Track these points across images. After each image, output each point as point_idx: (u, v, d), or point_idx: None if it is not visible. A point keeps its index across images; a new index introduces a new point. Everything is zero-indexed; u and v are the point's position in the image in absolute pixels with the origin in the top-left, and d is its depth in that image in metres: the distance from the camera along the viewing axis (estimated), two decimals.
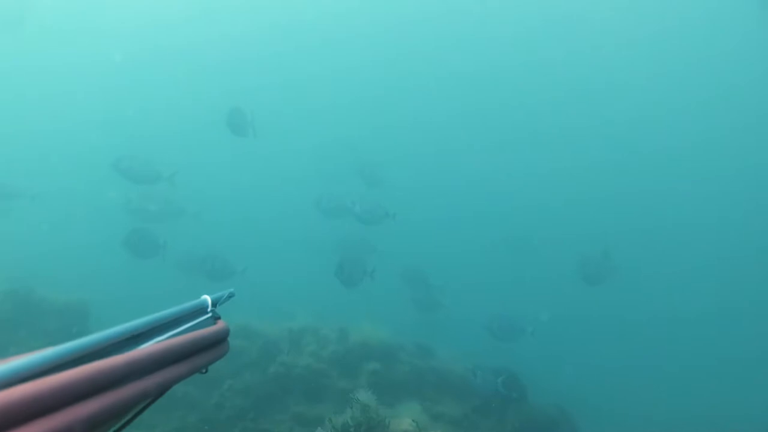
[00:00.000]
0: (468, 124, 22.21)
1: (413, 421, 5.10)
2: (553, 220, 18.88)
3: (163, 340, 0.80)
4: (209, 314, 0.95)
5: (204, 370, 0.90)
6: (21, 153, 18.16)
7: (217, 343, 0.93)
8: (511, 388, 8.36)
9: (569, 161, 21.04)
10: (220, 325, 0.96)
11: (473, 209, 19.91)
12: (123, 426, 0.79)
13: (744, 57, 19.99)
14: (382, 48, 22.94)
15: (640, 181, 20.70)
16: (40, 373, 0.58)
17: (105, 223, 9.82)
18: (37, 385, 0.56)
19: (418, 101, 22.55)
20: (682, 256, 17.64)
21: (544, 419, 8.60)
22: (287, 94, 22.53)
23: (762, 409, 11.18)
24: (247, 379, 7.70)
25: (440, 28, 22.12)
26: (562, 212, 19.45)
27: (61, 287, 8.09)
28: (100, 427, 0.66)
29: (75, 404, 0.59)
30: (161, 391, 0.77)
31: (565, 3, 20.53)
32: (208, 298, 0.96)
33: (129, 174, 9.05)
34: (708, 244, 18.67)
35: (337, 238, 11.99)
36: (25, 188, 9.96)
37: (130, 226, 8.77)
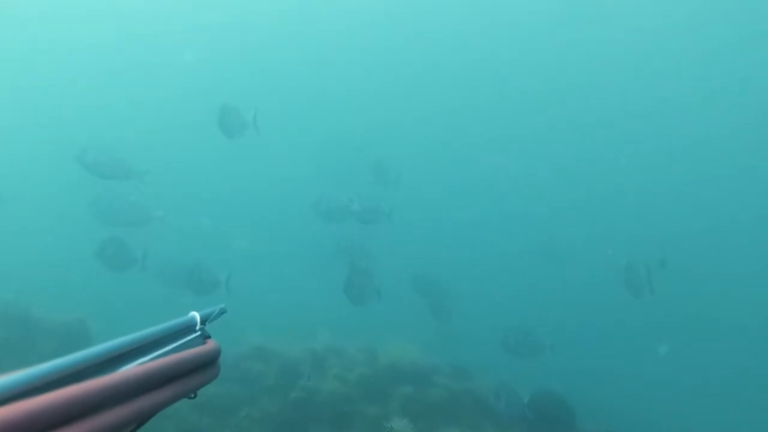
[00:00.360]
0: (492, 116, 21.23)
1: None
2: (591, 222, 17.76)
3: (146, 361, 0.73)
4: (198, 333, 0.85)
5: (193, 395, 0.82)
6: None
7: (206, 365, 0.83)
8: (542, 411, 7.54)
9: (612, 153, 19.66)
10: (210, 344, 0.86)
11: (499, 210, 18.90)
12: None
13: None
14: (398, 35, 22.04)
15: (702, 175, 19.09)
16: (5, 400, 0.53)
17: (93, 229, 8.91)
18: (8, 411, 0.51)
19: (435, 92, 21.62)
20: (745, 259, 16.29)
21: None
22: (284, 87, 21.64)
23: None
24: (265, 406, 6.92)
25: (460, 16, 21.32)
26: (601, 213, 18.26)
27: (57, 305, 7.41)
28: None
29: None
30: (144, 418, 0.70)
31: None
32: (196, 315, 0.87)
33: (95, 168, 7.94)
34: None
35: (335, 244, 10.91)
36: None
37: (102, 234, 7.89)
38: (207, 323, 0.88)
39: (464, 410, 7.91)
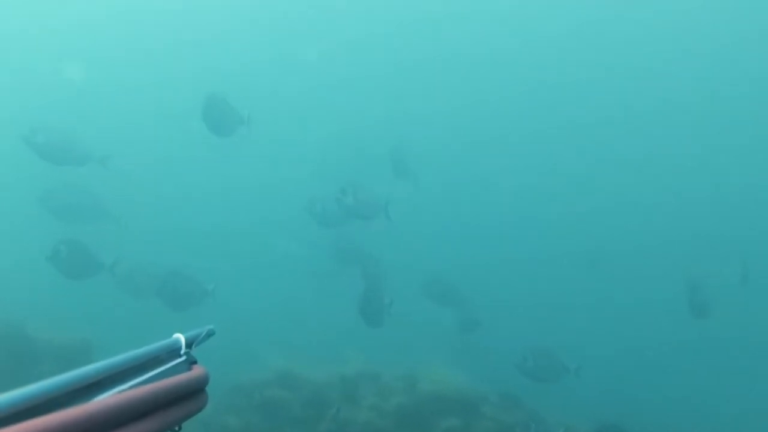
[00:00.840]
0: (528, 105, 20.16)
1: None
2: (649, 227, 16.42)
3: (125, 389, 0.67)
4: (183, 357, 0.79)
5: (177, 428, 0.73)
6: None
7: (193, 394, 0.76)
8: None
9: (672, 146, 18.29)
10: (197, 371, 0.79)
11: (536, 210, 17.71)
12: None
13: None
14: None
15: None
16: None
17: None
18: None
19: (467, 86, 20.63)
20: None
21: None
22: (278, 77, 20.78)
23: None
24: None
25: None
26: (661, 217, 16.92)
27: (54, 322, 6.64)
28: None
29: None
30: None
31: None
32: (181, 338, 0.80)
33: (45, 152, 6.81)
34: None
35: (338, 251, 9.39)
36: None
37: (58, 233, 6.69)
38: (193, 347, 0.81)
39: None
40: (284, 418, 6.38)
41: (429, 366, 7.02)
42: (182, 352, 0.80)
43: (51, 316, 6.73)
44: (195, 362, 0.81)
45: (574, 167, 18.16)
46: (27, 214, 8.45)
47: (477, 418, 6.85)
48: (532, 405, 7.54)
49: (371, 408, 6.51)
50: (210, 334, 0.85)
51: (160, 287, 6.60)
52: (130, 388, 0.68)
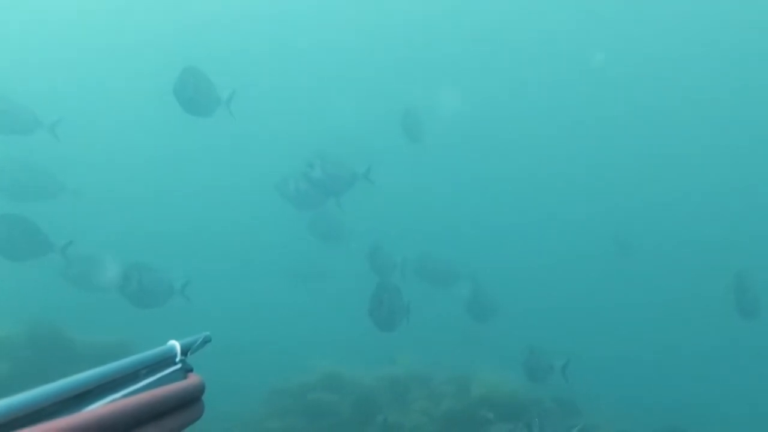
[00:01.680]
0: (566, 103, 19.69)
1: None
2: (698, 222, 15.84)
3: (117, 399, 0.65)
4: (178, 365, 0.76)
5: None
6: None
7: (188, 404, 0.73)
8: None
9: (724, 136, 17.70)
10: (193, 379, 0.76)
11: (562, 196, 17.20)
12: None
13: None
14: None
15: None
16: None
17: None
18: None
19: (500, 77, 20.20)
20: None
21: None
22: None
23: None
24: None
25: None
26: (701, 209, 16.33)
27: (91, 325, 6.43)
28: None
29: None
30: None
31: None
32: (176, 345, 0.77)
33: None
34: None
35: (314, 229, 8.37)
36: None
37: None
38: (189, 354, 0.78)
39: None
40: (330, 422, 6.10)
41: (481, 368, 6.70)
42: (177, 359, 0.77)
43: (89, 317, 6.52)
44: (191, 370, 0.78)
45: (625, 161, 17.82)
46: None
47: (530, 424, 6.53)
48: (586, 409, 7.20)
49: (421, 412, 6.20)
50: (206, 341, 0.83)
51: (123, 281, 5.81)
52: (123, 396, 0.65)
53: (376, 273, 6.55)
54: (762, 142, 17.31)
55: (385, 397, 6.30)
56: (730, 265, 9.62)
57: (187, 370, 0.78)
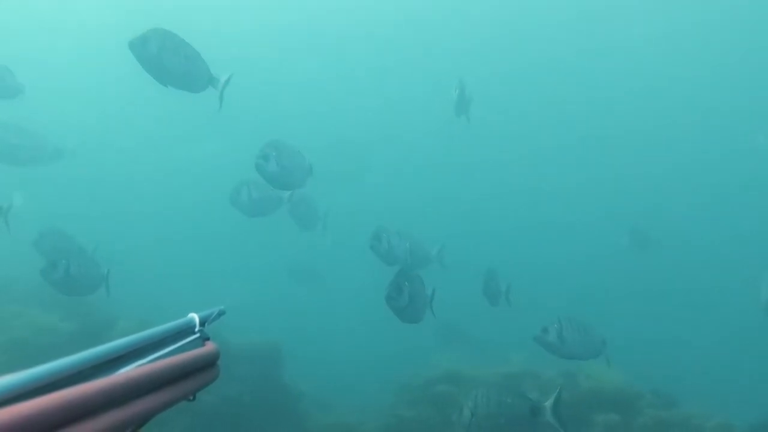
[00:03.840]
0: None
1: None
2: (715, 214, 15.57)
3: (144, 363, 0.72)
4: (197, 335, 0.85)
5: (192, 398, 0.81)
6: None
7: (205, 367, 0.83)
8: None
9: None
10: (209, 346, 0.86)
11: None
12: None
13: None
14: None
15: None
16: (10, 400, 0.53)
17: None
18: (8, 414, 0.50)
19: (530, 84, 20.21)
20: None
21: None
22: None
23: None
24: None
25: None
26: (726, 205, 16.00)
27: (244, 327, 7.53)
28: None
29: None
30: (143, 420, 0.70)
31: None
32: (195, 317, 0.86)
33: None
34: None
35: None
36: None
37: None
38: (206, 325, 0.87)
39: None
40: (453, 411, 6.97)
41: (586, 364, 7.35)
42: (196, 329, 0.85)
43: (245, 320, 7.63)
44: (208, 339, 0.86)
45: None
46: None
47: (634, 414, 7.10)
48: (688, 402, 7.65)
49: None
50: (221, 314, 0.91)
51: (49, 268, 5.51)
52: (150, 361, 0.73)
53: (486, 297, 6.73)
54: None
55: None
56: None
57: (204, 339, 0.86)
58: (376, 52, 22.49)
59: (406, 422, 6.97)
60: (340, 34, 21.82)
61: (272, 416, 6.91)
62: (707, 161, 17.98)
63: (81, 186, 15.35)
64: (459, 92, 8.27)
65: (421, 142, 19.45)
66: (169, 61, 4.93)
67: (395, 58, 22.33)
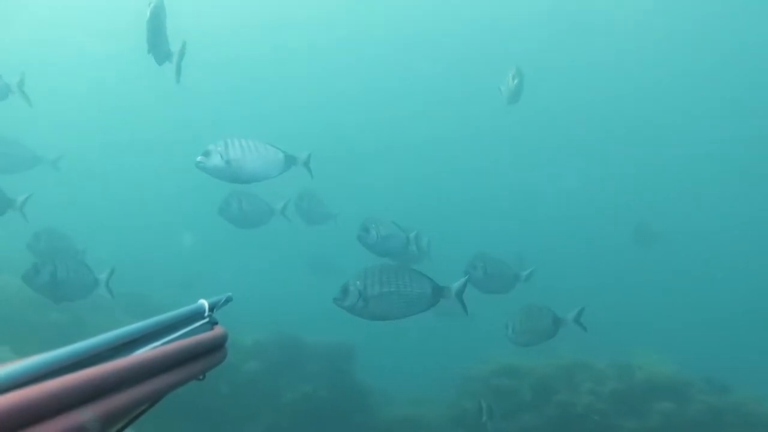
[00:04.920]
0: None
1: None
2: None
3: (158, 346, 0.76)
4: (206, 319, 0.89)
5: (202, 377, 0.85)
6: None
7: (214, 349, 0.88)
8: None
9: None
10: (218, 330, 0.90)
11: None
12: None
13: None
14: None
15: None
16: (31, 380, 0.56)
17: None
18: (28, 393, 0.54)
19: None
20: None
21: None
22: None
23: None
24: (524, 422, 7.05)
25: None
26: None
27: (321, 330, 8.18)
28: None
29: (68, 411, 0.58)
30: (157, 398, 0.75)
31: None
32: (205, 303, 0.90)
33: None
34: None
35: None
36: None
37: None
38: (215, 310, 0.92)
39: (729, 428, 7.40)
40: (513, 401, 7.46)
41: (638, 354, 7.73)
42: (206, 315, 0.90)
43: (318, 324, 8.30)
44: (216, 323, 0.91)
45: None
46: None
47: (688, 402, 7.41)
48: (740, 388, 7.89)
49: (589, 392, 7.38)
50: (228, 300, 0.95)
51: (32, 273, 5.24)
52: (164, 344, 0.77)
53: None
54: None
55: (557, 381, 7.53)
56: None
57: (213, 323, 0.90)
58: (375, 53, 22.73)
59: (469, 413, 7.51)
60: (340, 33, 22.21)
61: (345, 410, 7.55)
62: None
63: (98, 181, 16.06)
64: (518, 81, 7.71)
65: (433, 138, 19.86)
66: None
67: (395, 58, 22.53)
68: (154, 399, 0.74)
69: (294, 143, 5.51)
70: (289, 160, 5.28)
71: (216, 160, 5.06)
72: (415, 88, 21.36)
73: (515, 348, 7.89)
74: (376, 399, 7.90)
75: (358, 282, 4.55)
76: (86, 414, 0.59)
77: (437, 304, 4.77)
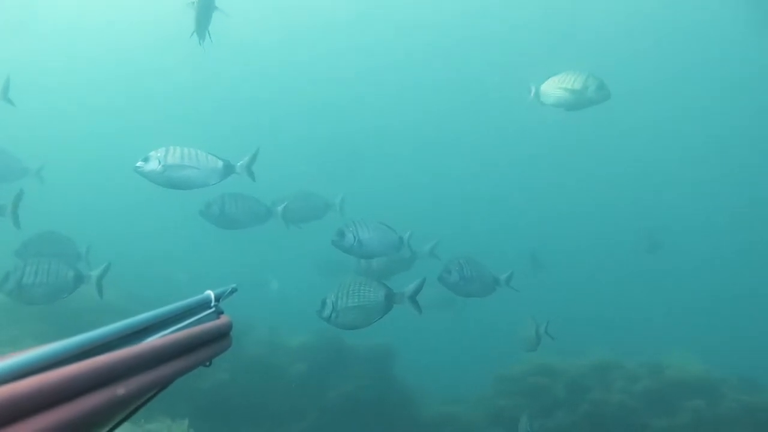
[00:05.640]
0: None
1: None
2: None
3: (167, 334, 0.81)
4: (212, 309, 0.94)
5: (208, 363, 0.90)
6: None
7: (220, 337, 0.93)
8: None
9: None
10: (223, 319, 0.95)
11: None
12: (129, 416, 0.82)
13: None
14: None
15: None
16: (50, 366, 0.60)
17: None
18: (48, 377, 0.58)
19: None
20: None
21: None
22: None
23: None
24: (559, 420, 7.37)
25: None
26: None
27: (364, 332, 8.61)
28: (107, 416, 0.70)
29: (83, 395, 0.61)
30: (166, 383, 0.79)
31: None
32: (211, 294, 0.96)
33: None
34: None
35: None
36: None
37: None
38: (220, 301, 0.96)
39: (763, 427, 7.54)
40: (547, 400, 7.79)
41: (669, 353, 7.96)
42: (212, 305, 0.93)
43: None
44: (222, 313, 0.95)
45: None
46: None
47: (719, 400, 7.60)
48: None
49: (621, 391, 7.65)
50: (233, 291, 0.99)
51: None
52: (172, 332, 0.81)
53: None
54: None
55: (589, 380, 7.82)
56: None
57: (219, 313, 0.95)
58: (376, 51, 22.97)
59: (505, 411, 7.87)
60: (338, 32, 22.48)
61: (387, 408, 8.00)
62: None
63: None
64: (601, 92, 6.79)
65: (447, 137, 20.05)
66: None
67: (396, 57, 22.74)
68: (164, 384, 0.78)
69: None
70: (228, 169, 5.49)
71: (153, 166, 5.25)
72: (415, 89, 21.67)
73: (549, 349, 8.23)
74: (415, 397, 8.32)
75: (332, 295, 5.00)
76: (101, 397, 0.63)
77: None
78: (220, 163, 5.43)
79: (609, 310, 10.52)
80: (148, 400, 0.85)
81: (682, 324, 9.43)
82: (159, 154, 5.27)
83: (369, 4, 22.52)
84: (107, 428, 0.79)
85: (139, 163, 5.23)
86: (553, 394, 7.75)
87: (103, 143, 19.04)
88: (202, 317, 0.90)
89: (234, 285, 1.00)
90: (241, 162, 5.53)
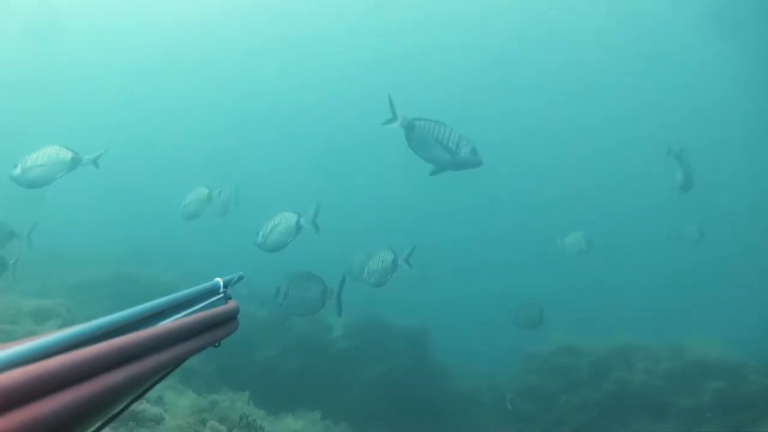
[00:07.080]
0: None
1: None
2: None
3: (180, 317, 0.88)
4: (221, 295, 1.02)
5: (217, 345, 0.96)
6: None
7: (228, 321, 0.99)
8: None
9: None
10: (231, 304, 1.02)
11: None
12: (144, 392, 0.91)
13: None
14: None
15: None
16: (73, 347, 0.65)
17: None
18: (71, 357, 0.62)
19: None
20: None
21: None
22: None
23: None
24: (583, 395, 7.88)
25: None
26: None
27: (403, 313, 9.28)
28: (125, 393, 0.76)
29: (103, 374, 0.66)
30: (179, 362, 0.85)
31: None
32: (219, 281, 1.03)
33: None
34: None
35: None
36: None
37: None
38: (228, 287, 1.02)
39: None
40: (573, 378, 8.29)
41: (690, 336, 8.31)
42: (221, 290, 1.00)
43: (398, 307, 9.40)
44: (230, 298, 1.01)
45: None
46: None
47: (740, 381, 7.87)
48: None
49: (644, 371, 8.06)
50: (240, 278, 1.06)
51: None
52: (184, 316, 0.87)
53: None
54: None
55: (613, 360, 8.27)
56: None
57: (227, 298, 1.01)
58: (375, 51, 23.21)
59: (533, 388, 8.44)
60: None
61: (422, 382, 8.67)
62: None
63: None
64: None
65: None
66: None
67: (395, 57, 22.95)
68: (177, 363, 0.83)
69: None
70: (75, 161, 5.61)
71: (16, 172, 5.51)
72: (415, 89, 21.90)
73: (574, 330, 8.71)
74: (449, 373, 8.98)
75: (285, 284, 5.69)
76: (122, 374, 0.67)
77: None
78: (69, 155, 5.60)
79: (635, 297, 10.86)
80: (165, 376, 0.91)
81: (703, 310, 9.69)
82: (23, 160, 5.55)
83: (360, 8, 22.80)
84: (127, 402, 0.87)
85: (12, 171, 5.51)
86: (577, 373, 8.25)
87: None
88: (212, 302, 0.97)
89: (241, 273, 1.08)
90: (89, 156, 5.71)
